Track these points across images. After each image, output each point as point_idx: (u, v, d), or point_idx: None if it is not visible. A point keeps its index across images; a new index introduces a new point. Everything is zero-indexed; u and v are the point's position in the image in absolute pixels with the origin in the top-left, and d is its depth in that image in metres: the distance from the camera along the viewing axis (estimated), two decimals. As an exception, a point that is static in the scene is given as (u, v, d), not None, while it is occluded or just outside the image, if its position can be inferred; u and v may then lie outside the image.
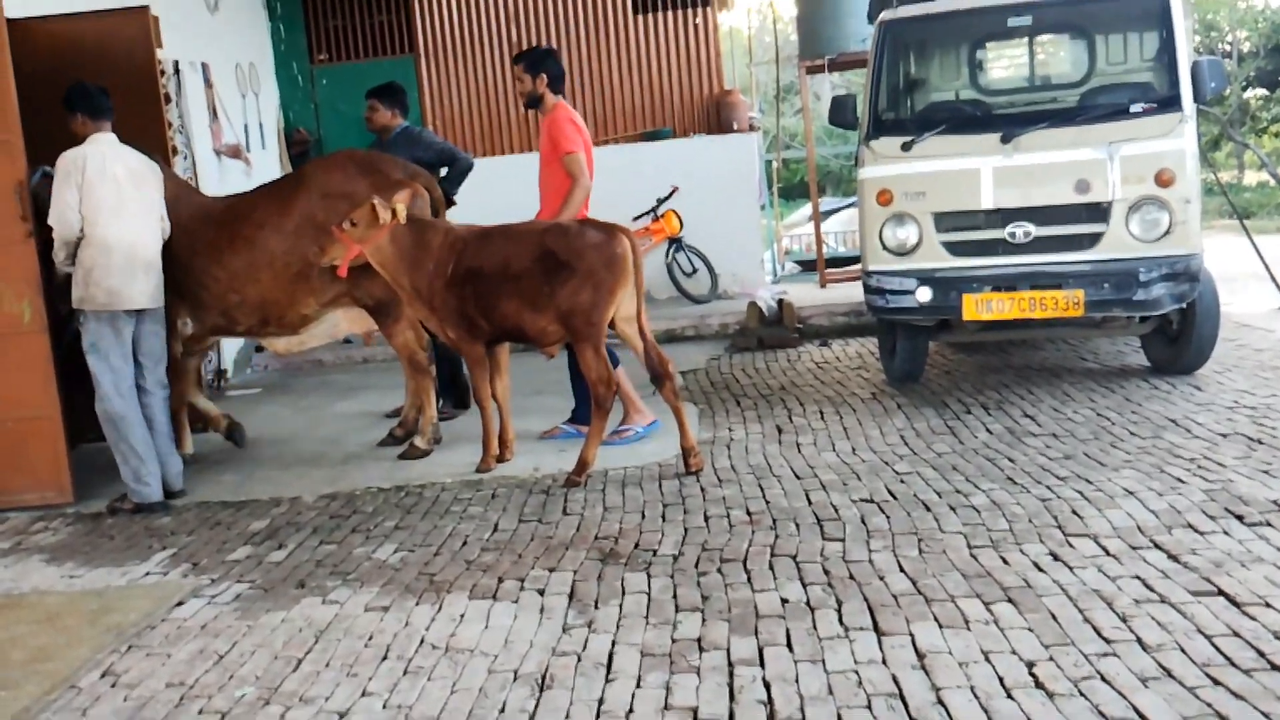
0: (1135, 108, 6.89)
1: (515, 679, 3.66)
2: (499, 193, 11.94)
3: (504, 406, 6.60)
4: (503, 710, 3.43)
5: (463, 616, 4.24)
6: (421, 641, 4.03)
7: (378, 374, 10.03)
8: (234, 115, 11.10)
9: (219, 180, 10.59)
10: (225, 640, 4.20)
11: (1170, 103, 6.83)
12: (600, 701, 3.45)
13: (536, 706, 3.45)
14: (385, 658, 3.91)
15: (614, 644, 3.88)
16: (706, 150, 12.07)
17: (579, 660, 3.77)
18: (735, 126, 12.32)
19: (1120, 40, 8.07)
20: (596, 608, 4.23)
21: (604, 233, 6.05)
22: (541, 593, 4.42)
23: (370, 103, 7.97)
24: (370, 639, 4.09)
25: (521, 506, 5.63)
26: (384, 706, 3.53)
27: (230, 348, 10.47)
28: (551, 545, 5.00)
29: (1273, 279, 9.88)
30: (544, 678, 3.65)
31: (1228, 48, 29.37)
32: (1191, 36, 6.96)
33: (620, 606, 4.22)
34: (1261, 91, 29.19)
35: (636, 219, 11.91)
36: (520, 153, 12.66)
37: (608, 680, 3.60)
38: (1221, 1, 30.08)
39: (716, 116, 12.50)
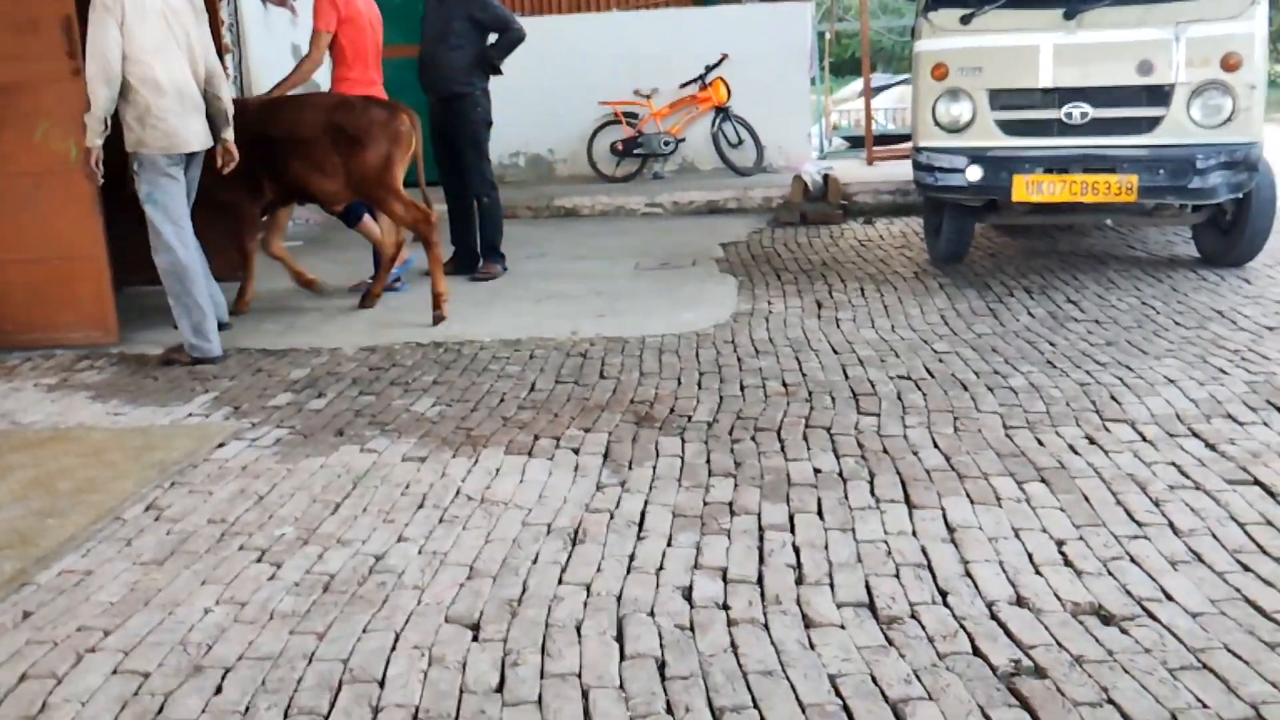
0: (1205, -13, 6.66)
1: (549, 532, 3.71)
2: (544, 55, 11.84)
3: (286, 260, 7.53)
4: (535, 561, 3.49)
5: (498, 470, 4.29)
6: (457, 492, 4.09)
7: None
8: (280, -39, 10.92)
9: (265, 27, 10.47)
10: (265, 482, 4.28)
11: (1244, -19, 6.59)
12: (631, 557, 3.50)
13: (569, 558, 3.51)
14: (421, 506, 3.98)
15: (646, 504, 3.92)
16: (758, 18, 11.81)
17: (611, 517, 3.81)
18: (790, -6, 12.02)
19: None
20: (630, 468, 4.27)
21: (387, 110, 6.81)
22: (576, 451, 4.46)
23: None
24: (407, 487, 4.15)
25: (559, 368, 5.66)
26: (419, 552, 3.60)
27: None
28: (588, 406, 5.03)
29: (1333, 174, 9.64)
30: (577, 532, 3.70)
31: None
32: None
33: (654, 468, 4.26)
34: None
35: (684, 85, 11.76)
36: (569, 12, 12.43)
37: (639, 538, 3.64)
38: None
39: (770, -17, 12.20)
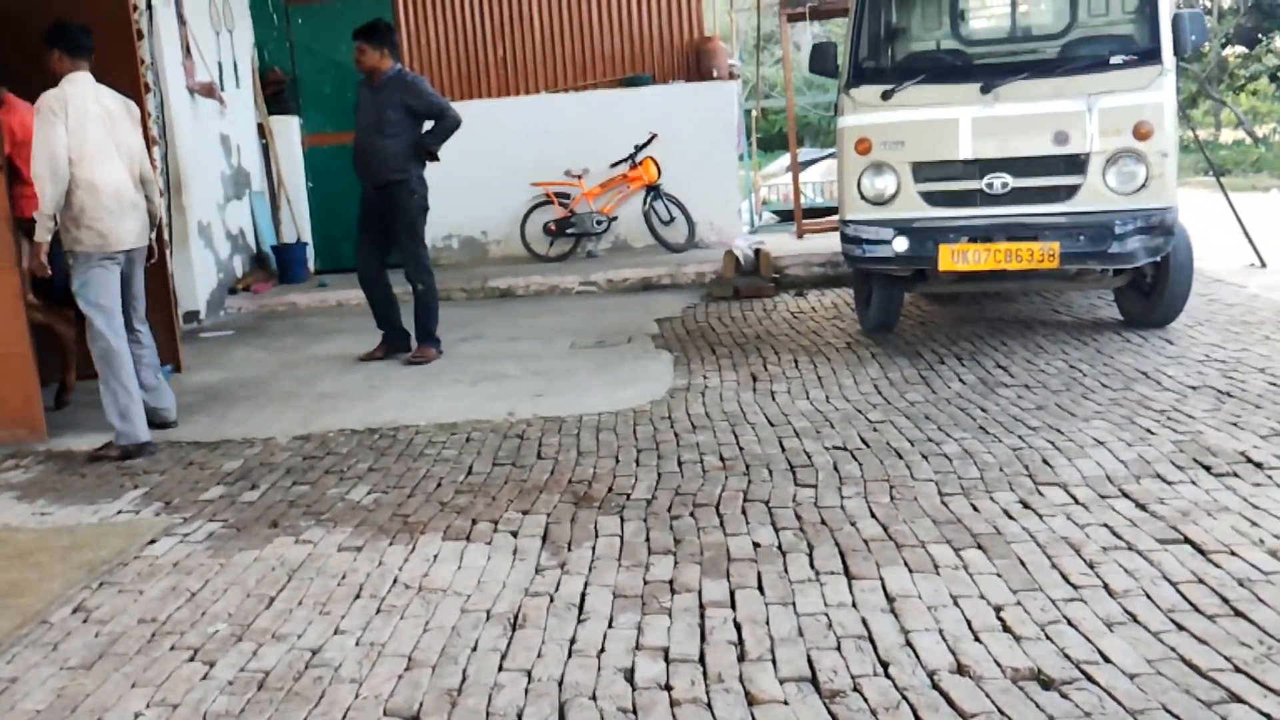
0: (1115, 59, 6.89)
1: (488, 618, 3.67)
2: (475, 138, 11.92)
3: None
4: (475, 648, 3.45)
5: (436, 557, 4.25)
6: (394, 581, 4.04)
7: (351, 317, 9.99)
8: (207, 53, 10.95)
9: (192, 118, 10.47)
10: (198, 578, 4.19)
11: (1150, 55, 6.82)
12: (572, 641, 3.47)
13: (509, 644, 3.47)
14: (358, 596, 3.92)
15: (586, 585, 3.90)
16: (686, 97, 12.00)
17: (551, 601, 3.78)
18: (715, 74, 12.23)
19: (1102, -9, 8.04)
20: (569, 550, 4.24)
21: None
22: (515, 534, 4.43)
23: (358, 44, 7.77)
24: (343, 578, 4.09)
25: (496, 450, 5.63)
26: (357, 644, 3.54)
27: (204, 289, 10.40)
28: (525, 488, 5.01)
29: (1246, 235, 9.95)
30: (517, 617, 3.67)
31: (1208, 4, 29.31)
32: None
33: (593, 549, 4.24)
34: (1240, 49, 29.18)
35: (615, 165, 11.89)
36: (499, 96, 12.55)
37: (580, 620, 3.61)
38: (1204, -43, 29.99)
39: (696, 63, 12.41)
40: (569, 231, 11.94)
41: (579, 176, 11.90)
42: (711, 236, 11.99)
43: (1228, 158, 22.47)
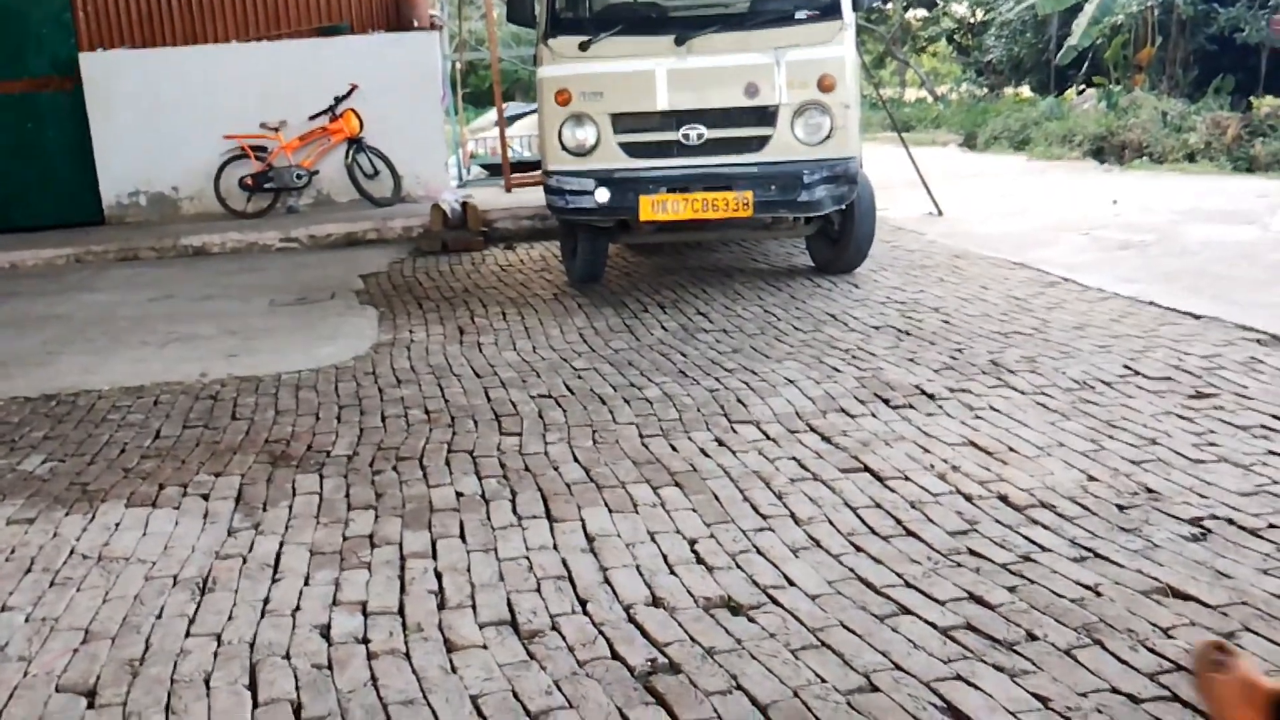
0: (800, 14, 7.15)
1: (174, 584, 3.49)
2: (159, 89, 11.29)
3: None
4: (160, 616, 3.28)
5: (118, 525, 4.00)
6: (71, 552, 3.78)
7: (25, 279, 9.29)
8: None
9: None
10: None
11: (832, 10, 7.12)
12: (265, 601, 3.35)
13: (197, 610, 3.31)
14: (29, 570, 3.65)
15: (282, 545, 3.77)
16: (386, 48, 11.69)
17: (244, 562, 3.64)
18: (416, 24, 11.98)
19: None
20: (264, 510, 4.09)
21: None
22: (206, 498, 4.23)
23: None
24: (12, 552, 3.80)
25: (187, 412, 5.36)
26: (26, 620, 3.30)
27: None
28: (218, 450, 4.79)
29: (925, 187, 10.60)
30: (206, 581, 3.51)
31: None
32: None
33: (290, 508, 4.10)
34: (921, 12, 30.99)
35: (314, 118, 11.47)
36: (184, 44, 11.86)
37: (274, 580, 3.49)
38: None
39: (396, 13, 12.10)
40: (267, 186, 11.46)
41: (276, 129, 11.42)
42: (419, 190, 11.78)
43: (911, 114, 23.85)
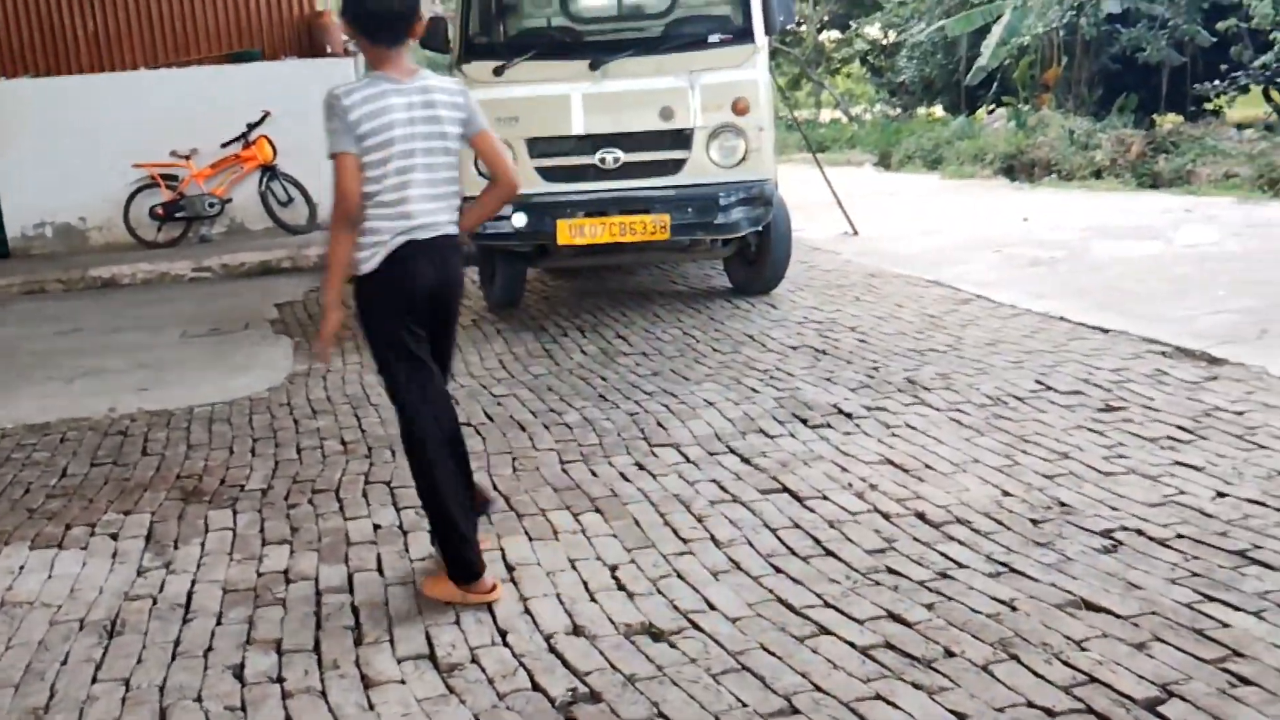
0: (713, 38, 7.20)
1: (81, 628, 3.40)
2: (65, 118, 11.06)
3: None
4: (65, 662, 3.19)
5: (22, 568, 3.89)
6: (-28, 598, 3.67)
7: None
8: None
9: None
10: None
11: (744, 34, 7.18)
12: (176, 642, 3.27)
13: (105, 654, 3.23)
14: (-73, 619, 3.53)
15: (194, 583, 3.69)
16: (300, 74, 11.54)
17: (154, 603, 3.56)
18: (329, 51, 11.87)
19: (701, -27, 8.40)
20: (176, 548, 4.01)
21: None
22: (115, 537, 4.13)
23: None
24: (-90, 600, 3.68)
25: (95, 449, 5.24)
26: (-76, 671, 3.19)
27: None
28: (128, 488, 4.68)
29: (840, 207, 10.71)
30: (114, 624, 3.42)
31: (806, -9, 31.37)
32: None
33: (202, 545, 4.02)
34: (835, 34, 31.42)
35: (226, 145, 11.31)
36: (92, 72, 11.65)
37: (185, 621, 3.42)
38: (798, -52, 32.04)
39: (309, 39, 11.99)
40: (179, 215, 11.26)
41: (187, 157, 11.23)
42: (335, 218, 11.64)
43: (826, 135, 24.08)
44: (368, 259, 3.42)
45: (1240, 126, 15.60)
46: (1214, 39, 15.69)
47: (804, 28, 29.90)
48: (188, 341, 7.51)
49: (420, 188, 3.41)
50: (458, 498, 3.46)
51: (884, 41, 28.71)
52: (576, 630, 3.20)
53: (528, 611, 3.35)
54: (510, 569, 3.66)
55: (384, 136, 3.33)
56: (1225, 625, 2.99)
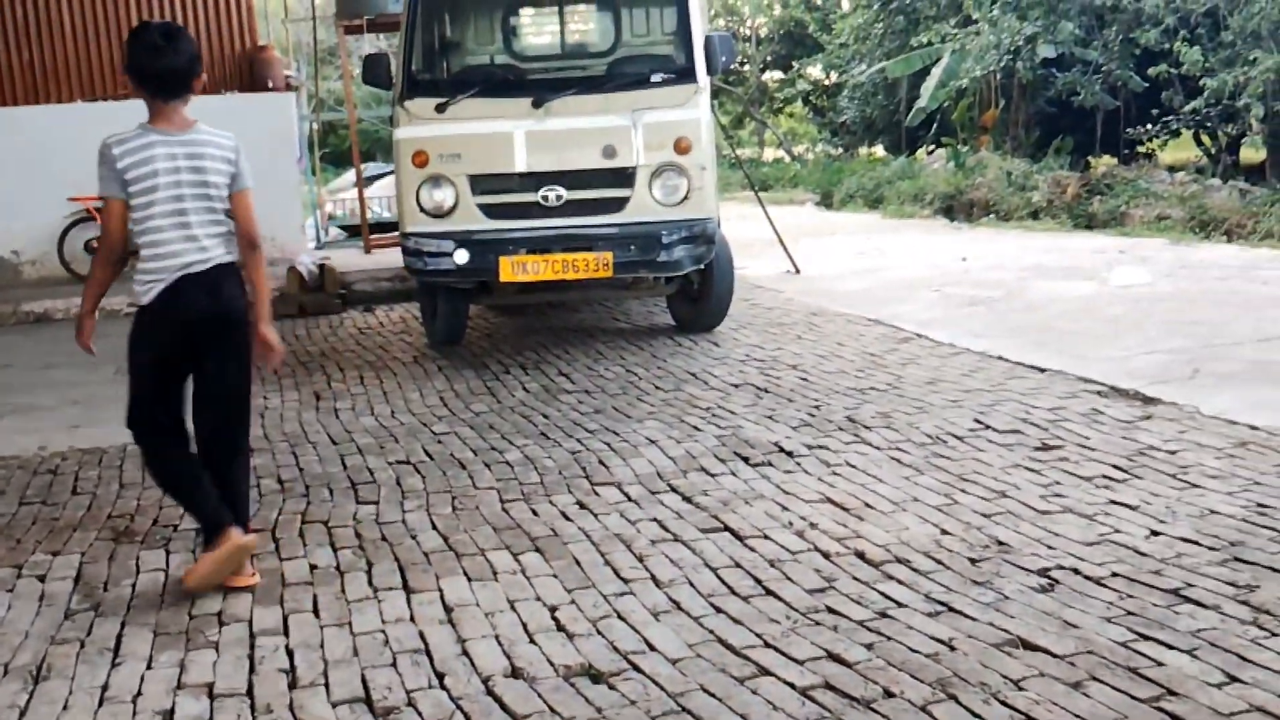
0: (656, 78, 7.26)
1: (5, 673, 3.31)
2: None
3: None
4: (-12, 709, 3.10)
5: (-56, 613, 3.79)
6: (-109, 644, 3.56)
7: None
8: None
9: None
10: None
11: (687, 74, 7.24)
12: (104, 688, 3.19)
13: (30, 700, 3.14)
14: None
15: (123, 626, 3.61)
16: (240, 109, 11.45)
17: (82, 647, 3.47)
18: (271, 85, 11.82)
19: (643, 13, 8.45)
20: (105, 590, 3.92)
21: None
22: (42, 579, 4.04)
23: None
24: None
25: (24, 489, 5.13)
26: None
27: None
28: (57, 528, 4.59)
29: (783, 246, 10.79)
30: (40, 669, 3.33)
31: (749, 32, 31.73)
32: (707, 12, 7.44)
33: (133, 587, 3.94)
34: (778, 74, 31.77)
35: (164, 179, 11.16)
36: (26, 104, 11.49)
37: (114, 665, 3.34)
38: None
39: (250, 74, 11.93)
40: (115, 251, 11.10)
41: (125, 191, 11.09)
42: (274, 253, 11.49)
43: (769, 174, 24.28)
44: (145, 293, 3.85)
45: (1172, 169, 15.96)
46: (1146, 84, 16.05)
47: (747, 67, 30.23)
48: (122, 378, 7.34)
49: (192, 229, 3.80)
50: (186, 477, 3.92)
51: (826, 82, 29.07)
52: (515, 672, 3.17)
53: (466, 653, 3.30)
54: (449, 610, 3.62)
55: (148, 184, 3.72)
56: (1159, 664, 3.02)
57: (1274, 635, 3.14)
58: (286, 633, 3.51)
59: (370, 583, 3.88)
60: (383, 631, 3.48)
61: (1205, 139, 18.11)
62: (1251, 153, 18.11)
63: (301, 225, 12.31)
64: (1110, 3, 15.48)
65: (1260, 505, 4.12)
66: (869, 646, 3.21)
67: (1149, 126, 16.34)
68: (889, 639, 3.25)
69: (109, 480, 5.18)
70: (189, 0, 12.04)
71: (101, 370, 7.57)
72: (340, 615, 3.62)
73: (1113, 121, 17.55)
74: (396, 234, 12.23)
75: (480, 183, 7.15)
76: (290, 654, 3.36)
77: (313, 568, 4.04)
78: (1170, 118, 15.42)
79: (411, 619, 3.57)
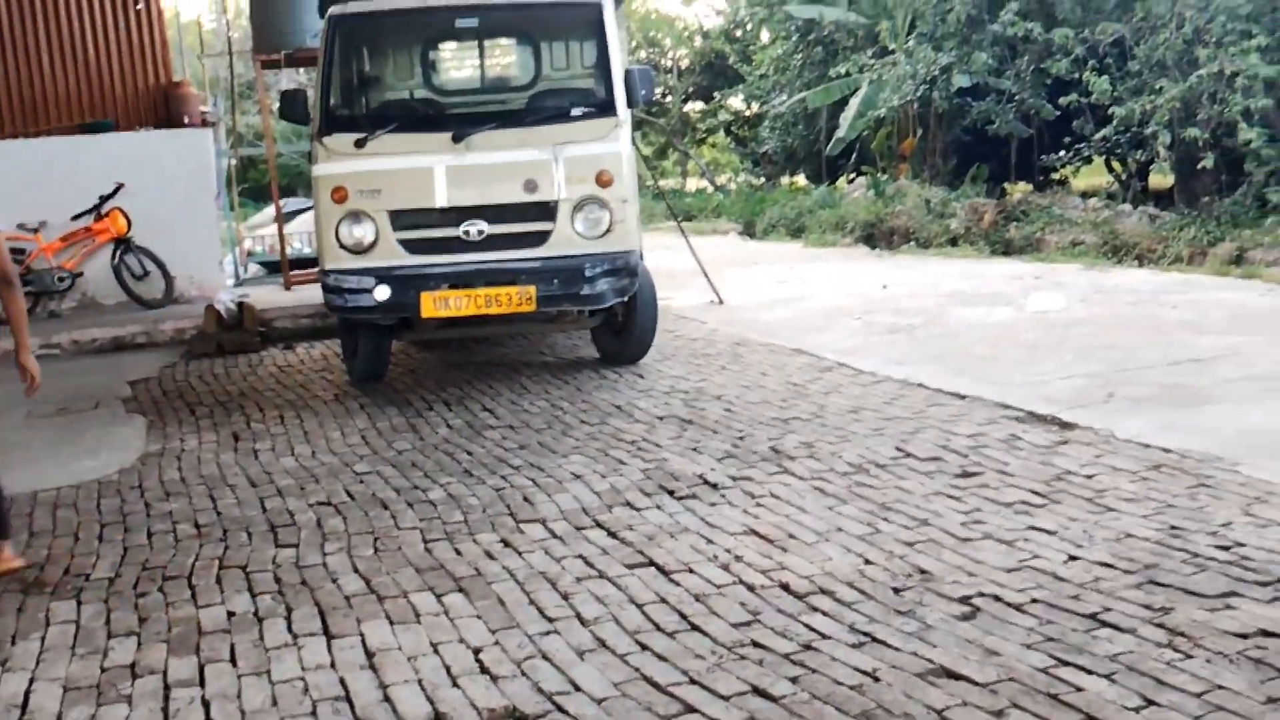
0: (576, 111, 7.27)
1: (-95, 736, 3.20)
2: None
3: None
4: (-113, 774, 2.99)
5: None
6: None
7: None
8: None
9: None
10: None
11: (607, 107, 7.26)
12: (11, 748, 3.10)
13: (-69, 764, 3.03)
14: None
15: (32, 681, 3.51)
16: (156, 145, 11.34)
17: (-12, 705, 3.36)
18: (187, 121, 11.66)
19: (563, 47, 8.48)
20: (13, 644, 3.81)
21: None
22: (-53, 634, 3.91)
23: None
24: None
25: (-71, 539, 4.96)
26: None
27: None
28: (-37, 580, 4.45)
29: (706, 276, 10.85)
30: (-58, 730, 3.22)
31: (670, 64, 31.95)
32: (627, 47, 7.46)
33: (42, 640, 3.83)
34: (700, 104, 32.00)
35: (77, 218, 10.99)
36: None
37: (21, 723, 3.24)
38: (664, 21, 32.73)
39: (165, 109, 11.76)
40: (26, 290, 10.86)
41: (35, 230, 10.87)
42: (192, 291, 11.38)
43: (692, 204, 24.38)
44: None
45: (1085, 195, 16.31)
46: (1058, 112, 16.38)
47: (669, 98, 30.41)
48: (33, 423, 7.20)
49: None
50: None
51: (747, 113, 29.32)
52: (439, 717, 3.12)
53: (388, 699, 3.25)
54: (370, 655, 3.56)
55: None
56: (1079, 689, 3.05)
57: (1189, 657, 3.20)
58: (203, 683, 3.43)
59: (290, 629, 3.80)
60: (302, 679, 3.42)
61: (1116, 165, 18.52)
62: (1160, 178, 18.54)
63: (220, 262, 12.14)
64: (1022, 34, 15.79)
65: (1173, 527, 4.20)
66: (794, 680, 3.21)
67: (1062, 154, 16.68)
68: (814, 671, 3.26)
69: (18, 530, 5.02)
70: (102, 35, 11.83)
71: (11, 415, 7.42)
72: (258, 663, 3.54)
73: (1027, 149, 17.89)
74: (317, 270, 12.18)
75: (401, 218, 7.10)
76: (206, 706, 3.28)
77: (230, 615, 3.95)
78: (1082, 145, 15.75)
79: (332, 665, 3.50)
